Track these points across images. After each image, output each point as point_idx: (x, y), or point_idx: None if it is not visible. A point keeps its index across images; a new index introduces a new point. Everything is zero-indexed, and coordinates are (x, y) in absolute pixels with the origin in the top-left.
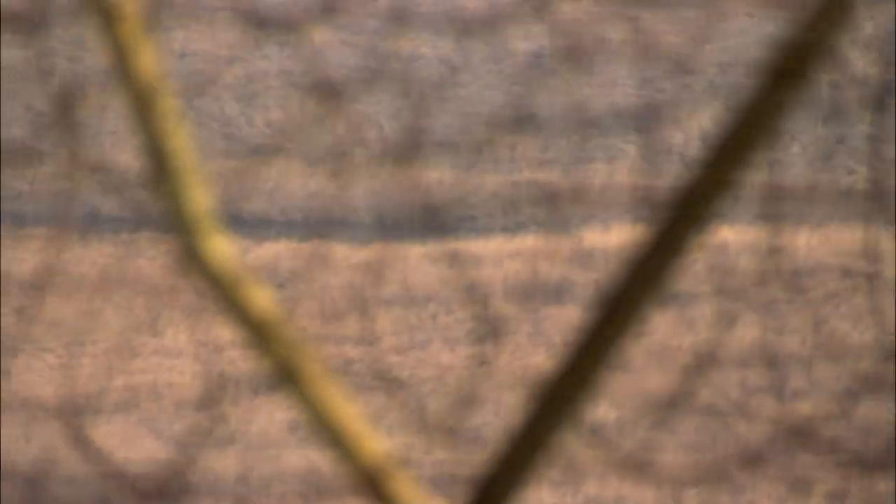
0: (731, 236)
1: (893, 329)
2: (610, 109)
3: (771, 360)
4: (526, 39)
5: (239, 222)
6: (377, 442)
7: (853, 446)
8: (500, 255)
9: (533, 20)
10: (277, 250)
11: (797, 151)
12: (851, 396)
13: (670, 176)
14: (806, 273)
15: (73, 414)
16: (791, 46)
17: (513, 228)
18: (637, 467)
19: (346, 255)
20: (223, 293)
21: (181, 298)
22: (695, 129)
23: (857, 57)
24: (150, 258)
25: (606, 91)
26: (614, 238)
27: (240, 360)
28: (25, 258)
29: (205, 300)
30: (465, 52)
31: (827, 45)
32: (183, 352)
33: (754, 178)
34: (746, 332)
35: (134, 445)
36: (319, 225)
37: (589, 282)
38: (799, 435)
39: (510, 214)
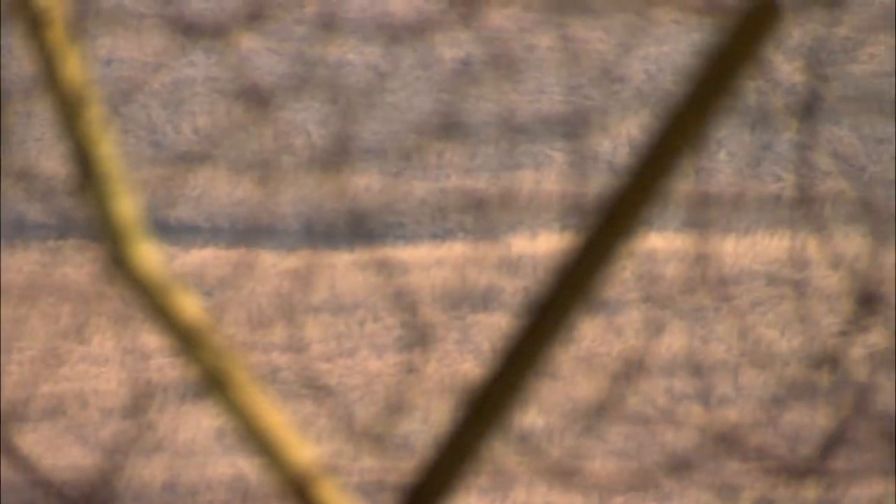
0: (659, 244)
1: (820, 336)
2: (538, 117)
3: (698, 368)
4: (454, 46)
5: (166, 229)
6: (305, 449)
7: (780, 453)
8: (427, 262)
9: (461, 27)
10: (204, 257)
11: (724, 159)
12: (778, 403)
13: (598, 183)
14: (733, 280)
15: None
16: (718, 54)
17: (441, 235)
18: (565, 474)
19: (274, 262)
20: (150, 301)
21: (108, 306)
22: (622, 136)
23: (784, 64)
24: (77, 265)
25: (534, 98)
26: (542, 245)
27: (167, 367)
28: None
29: (131, 308)
30: (393, 58)
31: (754, 53)
32: (110, 359)
33: (682, 185)
34: (674, 340)
35: (60, 453)
36: (247, 232)
37: (517, 289)
38: (726, 442)
39: (438, 221)
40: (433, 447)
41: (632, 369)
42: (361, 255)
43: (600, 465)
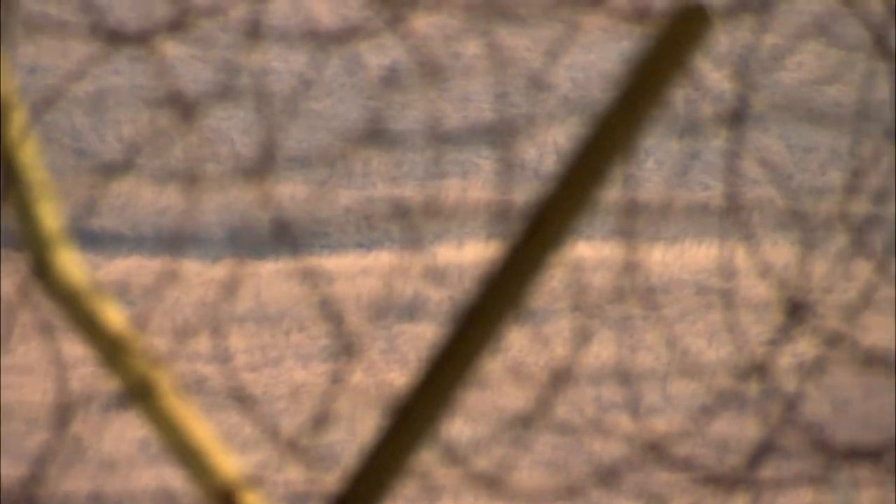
0: (587, 252)
1: (749, 345)
2: (464, 125)
3: (626, 377)
4: (380, 54)
5: (90, 238)
6: (230, 460)
7: (708, 463)
8: (353, 271)
9: (387, 35)
10: (128, 266)
11: (652, 167)
12: (707, 413)
13: (525, 191)
14: (661, 289)
15: None
16: (646, 62)
17: (367, 244)
18: (492, 484)
19: (199, 271)
20: (74, 310)
21: (32, 315)
22: (549, 144)
23: (712, 72)
24: (1, 275)
25: (460, 106)
26: (469, 254)
27: (91, 377)
28: None
29: (56, 317)
30: (318, 66)
31: (683, 61)
32: (34, 369)
33: (610, 194)
34: (602, 349)
35: None
36: (171, 241)
37: (443, 298)
38: (654, 451)
39: (364, 230)
40: (359, 457)
41: (560, 379)
42: (287, 264)
43: (528, 474)
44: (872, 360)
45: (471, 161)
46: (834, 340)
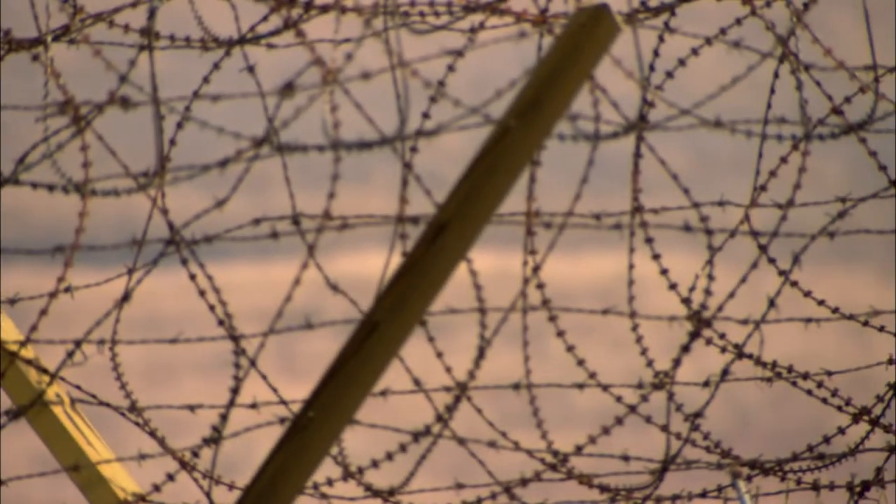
0: (489, 263)
1: (650, 358)
2: (363, 131)
3: (528, 390)
4: (276, 57)
5: None
6: (124, 474)
7: (611, 477)
8: (249, 281)
9: (283, 38)
10: (20, 278)
11: (555, 175)
12: (610, 426)
13: (426, 201)
14: (563, 301)
15: None
16: (549, 67)
17: (263, 255)
18: (391, 498)
19: (91, 283)
20: None
21: None
22: (451, 152)
23: (616, 77)
24: None
25: (359, 113)
26: (369, 265)
27: None
28: None
29: None
30: (213, 72)
31: (586, 66)
32: None
33: (511, 203)
34: (502, 361)
35: None
36: (63, 252)
37: (342, 309)
38: (556, 465)
39: (259, 240)
40: (257, 471)
41: (460, 392)
42: (181, 275)
43: (429, 488)
44: (777, 372)
45: (370, 169)
46: (738, 352)
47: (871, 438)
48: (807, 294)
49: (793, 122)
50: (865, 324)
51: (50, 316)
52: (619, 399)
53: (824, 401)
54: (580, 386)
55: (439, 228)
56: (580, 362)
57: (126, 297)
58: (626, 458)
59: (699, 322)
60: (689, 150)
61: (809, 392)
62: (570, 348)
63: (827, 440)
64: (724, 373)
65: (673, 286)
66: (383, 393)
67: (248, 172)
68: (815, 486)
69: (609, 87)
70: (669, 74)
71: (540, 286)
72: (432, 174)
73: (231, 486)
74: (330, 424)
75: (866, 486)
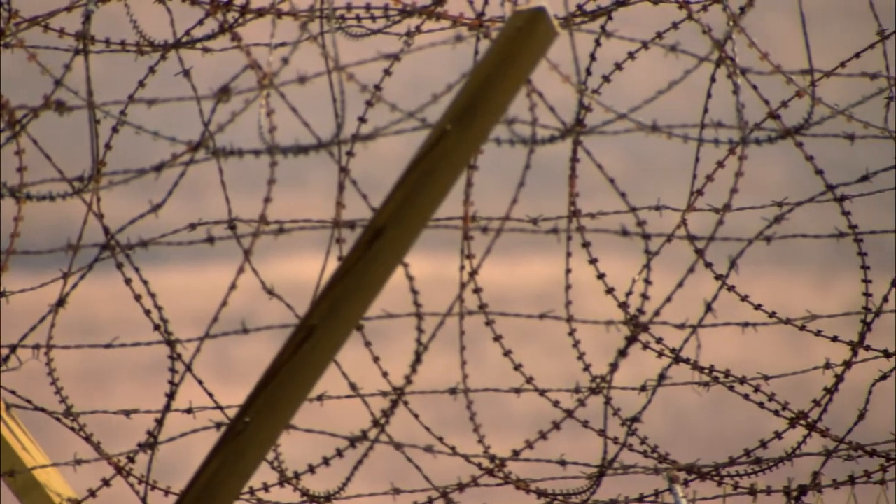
0: (426, 267)
1: (587, 363)
2: (298, 135)
3: (465, 395)
4: (211, 60)
5: None
6: (60, 480)
7: (548, 482)
8: (184, 286)
9: (219, 41)
10: None
11: (491, 179)
12: (547, 431)
13: (362, 206)
14: (499, 304)
15: None
16: (485, 71)
17: (198, 258)
18: (328, 503)
19: (26, 287)
20: None
21: None
22: (387, 156)
23: (553, 81)
24: None
25: (294, 115)
26: (305, 269)
27: None
28: None
29: None
30: (149, 76)
31: (523, 69)
32: None
33: (447, 207)
34: (440, 366)
35: None
36: None
37: (278, 314)
38: (491, 471)
39: (195, 244)
40: (193, 476)
41: (398, 396)
42: (115, 279)
43: (366, 493)
44: (714, 376)
45: (306, 173)
46: (675, 357)
47: (808, 443)
48: (744, 298)
49: (730, 126)
50: (802, 328)
51: None
52: (556, 404)
53: (761, 405)
54: (517, 391)
55: (376, 233)
56: (517, 367)
57: (61, 301)
58: (563, 463)
59: (636, 326)
60: (626, 154)
61: (746, 396)
62: (506, 353)
63: (764, 445)
64: (661, 377)
65: (610, 290)
66: (319, 398)
67: (184, 177)
68: (752, 491)
69: (546, 91)
70: (606, 78)
71: (476, 291)
72: (369, 178)
73: (167, 492)
74: (266, 429)
75: (803, 490)
